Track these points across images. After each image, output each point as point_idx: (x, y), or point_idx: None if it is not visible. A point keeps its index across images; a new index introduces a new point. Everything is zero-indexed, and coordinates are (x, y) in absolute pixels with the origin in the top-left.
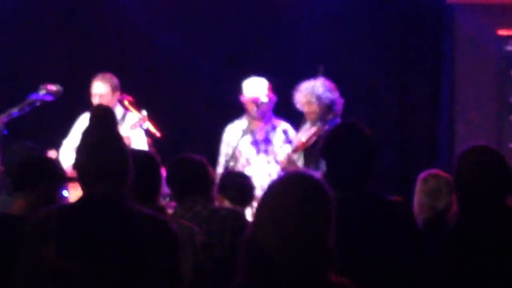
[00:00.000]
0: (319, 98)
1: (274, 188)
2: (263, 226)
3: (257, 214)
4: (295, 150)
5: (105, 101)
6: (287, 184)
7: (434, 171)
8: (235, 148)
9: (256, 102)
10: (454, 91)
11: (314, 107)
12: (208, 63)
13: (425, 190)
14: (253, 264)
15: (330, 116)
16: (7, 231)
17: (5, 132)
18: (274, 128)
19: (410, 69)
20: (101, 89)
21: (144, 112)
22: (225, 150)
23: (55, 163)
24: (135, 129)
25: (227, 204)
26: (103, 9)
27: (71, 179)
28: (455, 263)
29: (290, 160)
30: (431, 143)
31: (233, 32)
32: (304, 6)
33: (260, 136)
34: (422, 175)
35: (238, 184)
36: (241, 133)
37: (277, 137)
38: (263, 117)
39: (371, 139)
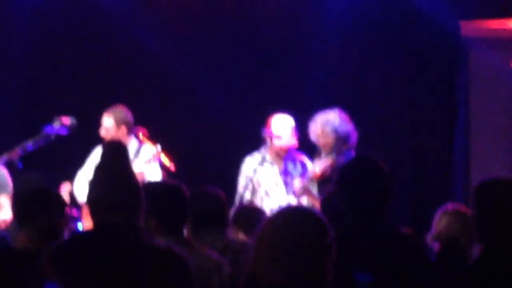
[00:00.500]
0: (335, 130)
1: (272, 223)
2: (261, 262)
3: (255, 249)
4: (310, 180)
5: (110, 135)
6: (286, 219)
7: (454, 205)
8: (252, 180)
9: (288, 138)
10: (469, 122)
11: (330, 139)
12: (222, 94)
13: (442, 224)
14: None
15: (344, 148)
16: (10, 266)
17: (20, 165)
18: (293, 160)
19: (425, 101)
20: (105, 122)
21: (159, 147)
22: (243, 182)
23: (56, 194)
24: (149, 164)
25: (241, 236)
26: (118, 41)
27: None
28: None
29: (305, 190)
30: (446, 173)
31: (247, 64)
32: (318, 37)
33: (279, 168)
34: (441, 209)
35: (253, 217)
36: (260, 165)
37: (296, 169)
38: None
39: (386, 173)
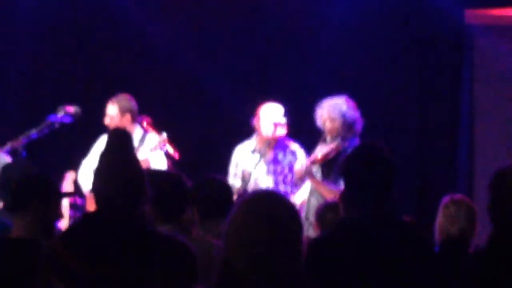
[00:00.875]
0: (342, 115)
1: (240, 207)
2: (231, 246)
3: (226, 234)
4: (312, 163)
5: (114, 123)
6: (253, 203)
7: (458, 196)
8: (242, 169)
9: (274, 128)
10: (474, 110)
11: (337, 124)
12: (227, 83)
13: (446, 214)
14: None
15: (349, 135)
16: (8, 255)
17: (24, 154)
18: (284, 148)
19: (429, 90)
20: (110, 111)
21: (164, 135)
22: (233, 170)
23: (49, 181)
24: (155, 151)
25: None
26: (121, 31)
27: (66, 195)
28: (487, 284)
29: (307, 171)
30: (450, 166)
31: (251, 54)
32: (321, 29)
33: (269, 156)
34: (445, 199)
35: None
36: (250, 154)
37: (287, 158)
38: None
39: (390, 160)
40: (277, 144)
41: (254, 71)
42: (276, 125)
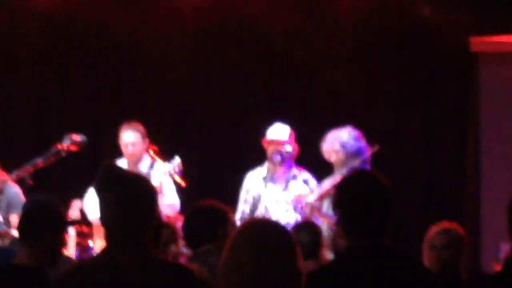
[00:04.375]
0: (343, 145)
1: (237, 234)
2: (227, 272)
3: (222, 263)
4: (320, 198)
5: (137, 150)
6: (249, 231)
7: (445, 224)
8: (253, 195)
9: (279, 148)
10: (479, 139)
11: (340, 155)
12: (231, 109)
13: (431, 243)
14: None
15: (356, 164)
16: (13, 282)
17: (30, 183)
18: (294, 177)
19: (435, 117)
20: (132, 138)
21: (178, 158)
22: (244, 196)
23: (58, 211)
24: (169, 176)
25: None
26: (126, 57)
27: (73, 223)
28: None
29: (313, 209)
30: (458, 189)
31: (258, 80)
32: (328, 54)
33: (280, 184)
34: (433, 228)
35: None
36: (262, 180)
37: (297, 186)
38: (284, 164)
39: (386, 189)
40: (288, 172)
41: (261, 97)
42: (278, 146)
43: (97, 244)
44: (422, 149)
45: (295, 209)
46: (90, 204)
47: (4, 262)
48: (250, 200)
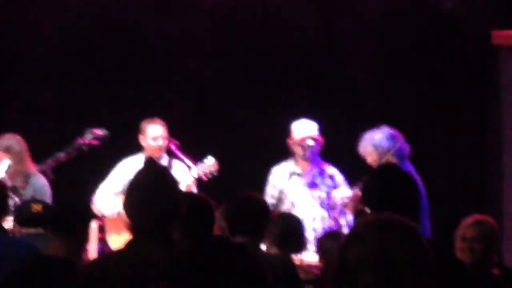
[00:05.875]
0: (376, 147)
1: (358, 234)
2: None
3: (340, 265)
4: (351, 200)
5: (165, 144)
6: (374, 231)
7: (477, 217)
8: (280, 190)
9: (304, 144)
10: (501, 132)
11: (375, 157)
12: (253, 105)
13: (463, 235)
14: None
15: (399, 162)
16: (44, 273)
17: (52, 176)
18: (321, 172)
19: (456, 112)
20: (162, 132)
21: (211, 158)
22: (271, 191)
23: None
24: (203, 176)
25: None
26: (150, 53)
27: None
28: None
29: (347, 205)
30: (479, 187)
31: (280, 75)
32: (348, 48)
33: (307, 179)
34: (466, 220)
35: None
36: (288, 176)
37: (324, 182)
38: (311, 159)
39: (410, 179)
40: (314, 167)
41: (284, 92)
42: (303, 142)
43: (112, 238)
44: (444, 145)
45: (322, 205)
46: (102, 199)
47: (24, 253)
48: (276, 195)
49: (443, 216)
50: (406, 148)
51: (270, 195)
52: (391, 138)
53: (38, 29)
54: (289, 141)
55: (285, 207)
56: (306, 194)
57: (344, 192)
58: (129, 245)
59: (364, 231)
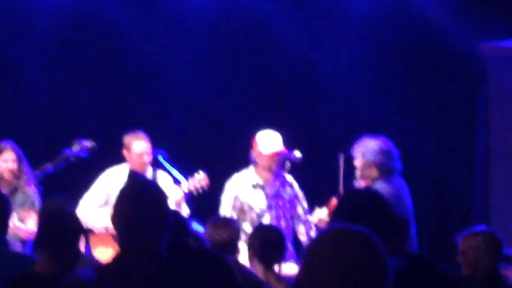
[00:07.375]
0: (363, 155)
1: (317, 246)
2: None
3: (301, 276)
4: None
5: (150, 158)
6: (331, 242)
7: (476, 229)
8: (241, 200)
9: (274, 159)
10: (489, 140)
11: (359, 163)
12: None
13: (463, 248)
14: None
15: (377, 175)
16: None
17: (40, 188)
18: (283, 183)
19: (445, 120)
20: (145, 148)
21: (202, 173)
22: (230, 201)
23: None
24: (194, 192)
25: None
26: (138, 65)
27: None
28: None
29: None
30: (466, 196)
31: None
32: (335, 56)
33: (270, 190)
34: (464, 233)
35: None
36: (251, 187)
37: (286, 192)
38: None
39: (382, 207)
40: (277, 178)
41: (264, 103)
42: (278, 155)
43: (98, 251)
44: (432, 152)
45: (285, 215)
46: (85, 211)
47: (23, 269)
48: (238, 206)
49: (429, 219)
50: (397, 165)
51: (230, 205)
52: (382, 153)
53: (24, 35)
54: (254, 153)
55: (248, 217)
56: (271, 205)
57: (321, 213)
58: (117, 258)
59: (320, 242)
